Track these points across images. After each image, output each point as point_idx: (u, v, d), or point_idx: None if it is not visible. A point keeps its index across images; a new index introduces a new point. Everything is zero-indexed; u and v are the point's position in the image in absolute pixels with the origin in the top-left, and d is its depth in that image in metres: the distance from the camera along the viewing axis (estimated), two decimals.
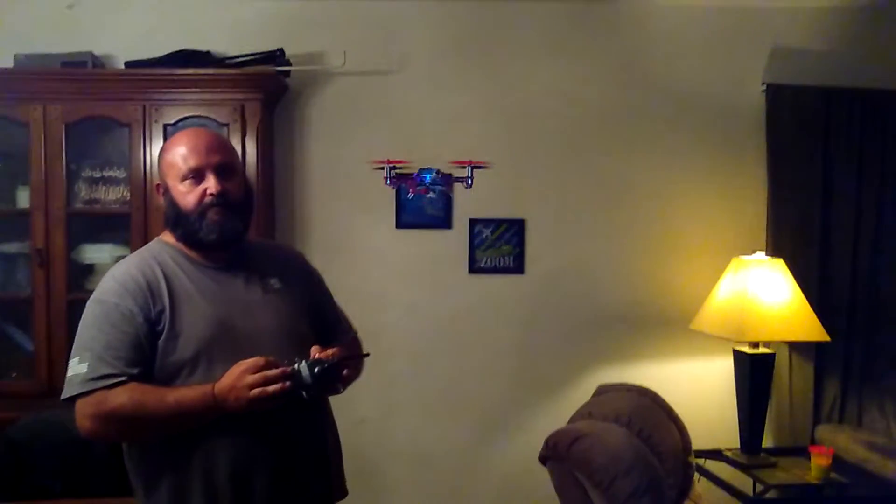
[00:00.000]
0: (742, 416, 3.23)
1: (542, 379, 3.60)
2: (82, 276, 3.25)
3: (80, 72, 3.21)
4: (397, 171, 2.80)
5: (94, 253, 3.24)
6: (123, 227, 3.21)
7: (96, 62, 3.30)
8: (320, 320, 2.01)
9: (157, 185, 1.89)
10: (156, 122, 3.17)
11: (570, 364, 3.59)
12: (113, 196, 3.25)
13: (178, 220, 1.83)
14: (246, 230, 1.90)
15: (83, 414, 1.72)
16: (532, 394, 3.60)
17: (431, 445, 3.56)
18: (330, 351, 1.76)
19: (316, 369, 1.71)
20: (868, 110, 3.48)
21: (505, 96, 3.54)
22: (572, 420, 2.88)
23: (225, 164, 1.84)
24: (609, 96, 3.55)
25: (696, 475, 3.07)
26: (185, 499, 1.77)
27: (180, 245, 1.86)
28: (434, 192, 2.82)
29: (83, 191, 3.25)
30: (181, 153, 1.82)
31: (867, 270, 3.51)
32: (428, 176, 2.80)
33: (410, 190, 2.88)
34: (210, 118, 3.19)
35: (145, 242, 3.05)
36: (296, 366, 1.71)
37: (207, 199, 1.80)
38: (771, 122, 3.50)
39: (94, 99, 3.18)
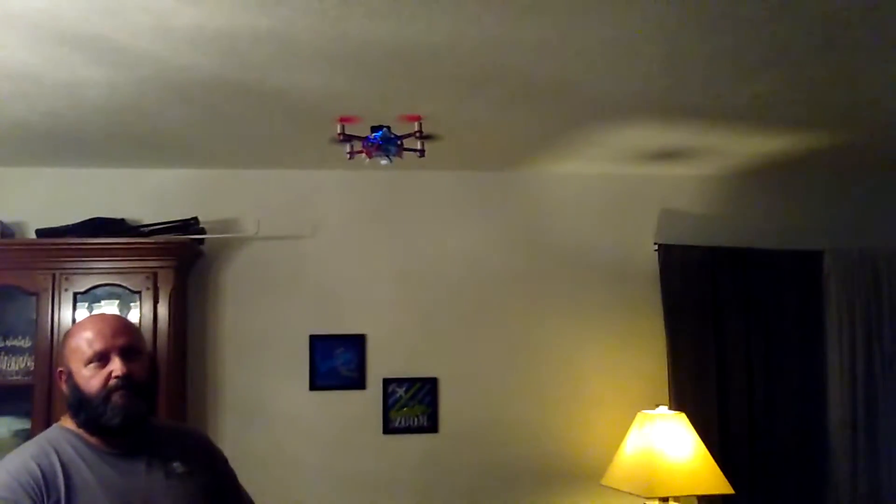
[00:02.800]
0: None
1: None
2: None
3: None
4: (348, 130, 2.69)
5: None
6: (25, 399, 3.11)
7: (6, 231, 3.29)
8: (224, 500, 1.98)
9: (60, 371, 1.87)
10: (66, 290, 3.16)
11: None
12: (16, 366, 3.17)
13: (81, 406, 1.79)
14: (151, 412, 1.90)
15: None
16: None
17: None
18: None
19: None
20: (749, 267, 3.75)
21: (415, 260, 3.68)
22: None
23: (130, 346, 1.84)
24: (513, 259, 3.74)
25: None
26: None
27: (81, 431, 1.82)
28: (389, 155, 2.67)
29: None
30: (86, 337, 1.82)
31: (763, 419, 3.67)
32: (379, 134, 2.66)
33: (364, 152, 2.70)
34: (122, 286, 3.20)
35: (48, 414, 3.05)
36: None
37: (112, 381, 1.78)
38: (664, 279, 3.72)
39: (1, 268, 3.15)
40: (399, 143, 2.72)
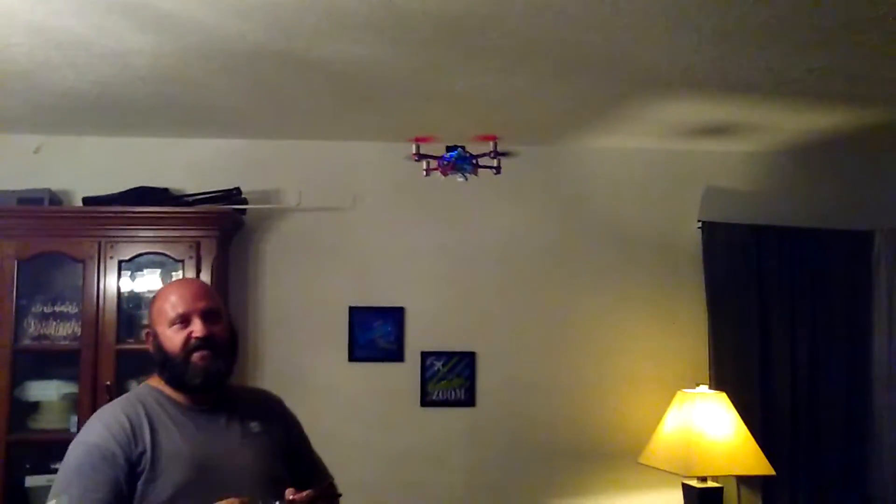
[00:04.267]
0: None
1: None
2: (26, 414, 3.18)
3: (37, 209, 3.25)
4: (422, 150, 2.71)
5: (40, 390, 3.19)
6: (72, 364, 3.17)
7: (53, 199, 3.34)
8: (297, 465, 2.06)
9: (147, 332, 1.99)
10: (111, 258, 3.20)
11: (522, 499, 3.57)
12: (63, 332, 3.23)
13: (165, 364, 1.92)
14: (230, 373, 1.99)
15: None
16: None
17: None
18: (304, 493, 1.80)
19: None
20: (794, 246, 3.68)
21: (454, 234, 3.67)
22: None
23: (210, 310, 1.95)
24: (554, 234, 3.71)
25: None
26: None
27: (166, 388, 1.94)
28: (464, 173, 2.72)
29: (32, 326, 3.22)
30: (170, 300, 1.94)
31: (806, 401, 3.62)
32: (454, 154, 2.69)
33: (439, 170, 2.74)
34: (166, 254, 3.24)
35: (94, 378, 3.11)
36: None
37: (193, 341, 1.90)
38: (707, 258, 3.66)
39: (49, 235, 3.21)
40: (474, 161, 2.76)
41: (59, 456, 3.23)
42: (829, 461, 3.60)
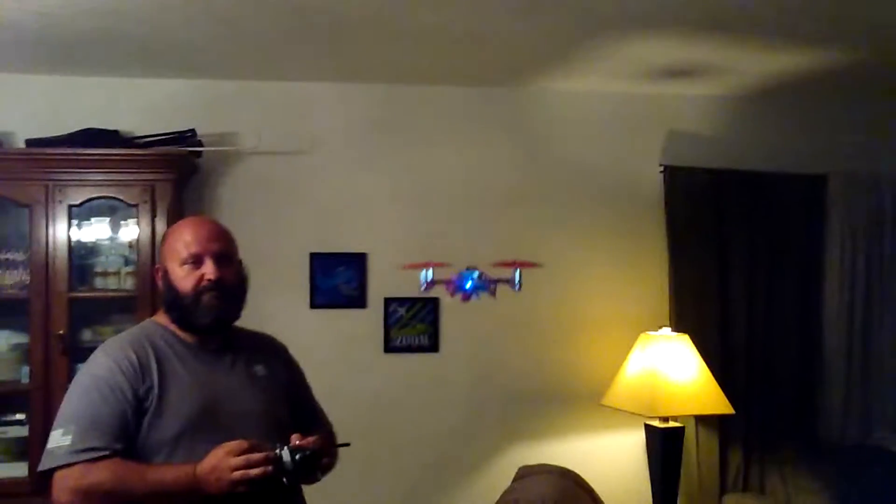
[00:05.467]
0: (655, 488, 3.30)
1: (459, 460, 3.59)
2: None
3: None
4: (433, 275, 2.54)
5: None
6: (21, 313, 3.05)
7: None
8: (300, 412, 2.07)
9: (157, 268, 1.99)
10: (60, 202, 3.06)
11: (487, 443, 3.60)
12: (10, 280, 3.10)
13: (174, 303, 1.91)
14: (237, 316, 1.99)
15: (61, 487, 1.72)
16: (450, 473, 3.58)
17: None
18: (311, 438, 1.80)
19: (297, 455, 1.74)
20: (754, 190, 3.71)
21: (416, 178, 3.60)
22: None
23: (223, 252, 1.94)
24: (515, 178, 3.67)
25: None
26: None
27: (173, 326, 1.93)
28: (478, 296, 2.56)
29: None
30: (183, 239, 1.92)
31: (761, 343, 3.69)
32: (468, 280, 2.54)
33: (451, 295, 2.63)
34: (119, 199, 3.12)
35: (45, 329, 3.00)
36: (278, 451, 1.74)
37: (204, 283, 1.88)
38: (669, 202, 3.68)
39: None
40: (493, 285, 2.62)
41: (11, 407, 3.14)
42: (781, 403, 3.69)
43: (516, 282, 2.59)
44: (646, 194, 3.71)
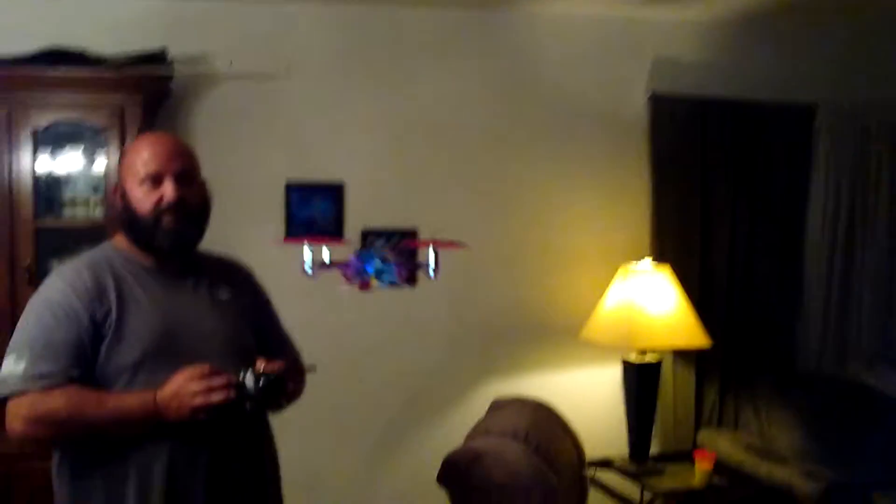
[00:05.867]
0: (631, 423, 3.32)
1: (435, 393, 3.58)
2: None
3: None
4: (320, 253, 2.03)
5: None
6: None
7: None
8: (266, 338, 1.99)
9: (115, 187, 1.88)
10: (24, 126, 2.93)
11: (463, 377, 3.59)
12: None
13: (133, 224, 1.81)
14: (200, 239, 1.90)
15: (15, 415, 1.67)
16: (426, 409, 3.57)
17: (320, 467, 3.43)
18: (275, 364, 1.74)
19: (261, 381, 1.69)
20: (741, 119, 3.65)
21: (395, 105, 3.51)
22: (469, 437, 2.87)
23: (185, 171, 1.83)
24: (497, 106, 3.58)
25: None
26: None
27: (132, 249, 1.84)
28: (382, 283, 2.08)
29: None
30: (142, 157, 1.80)
31: (742, 275, 3.68)
32: (370, 265, 2.06)
33: (348, 281, 2.10)
34: (86, 122, 2.99)
35: (11, 260, 2.91)
36: (241, 376, 1.69)
37: (164, 204, 1.78)
38: (653, 131, 3.61)
39: None
40: (400, 269, 2.09)
41: None
42: (760, 334, 3.70)
43: (430, 268, 2.09)
44: (630, 123, 3.63)
